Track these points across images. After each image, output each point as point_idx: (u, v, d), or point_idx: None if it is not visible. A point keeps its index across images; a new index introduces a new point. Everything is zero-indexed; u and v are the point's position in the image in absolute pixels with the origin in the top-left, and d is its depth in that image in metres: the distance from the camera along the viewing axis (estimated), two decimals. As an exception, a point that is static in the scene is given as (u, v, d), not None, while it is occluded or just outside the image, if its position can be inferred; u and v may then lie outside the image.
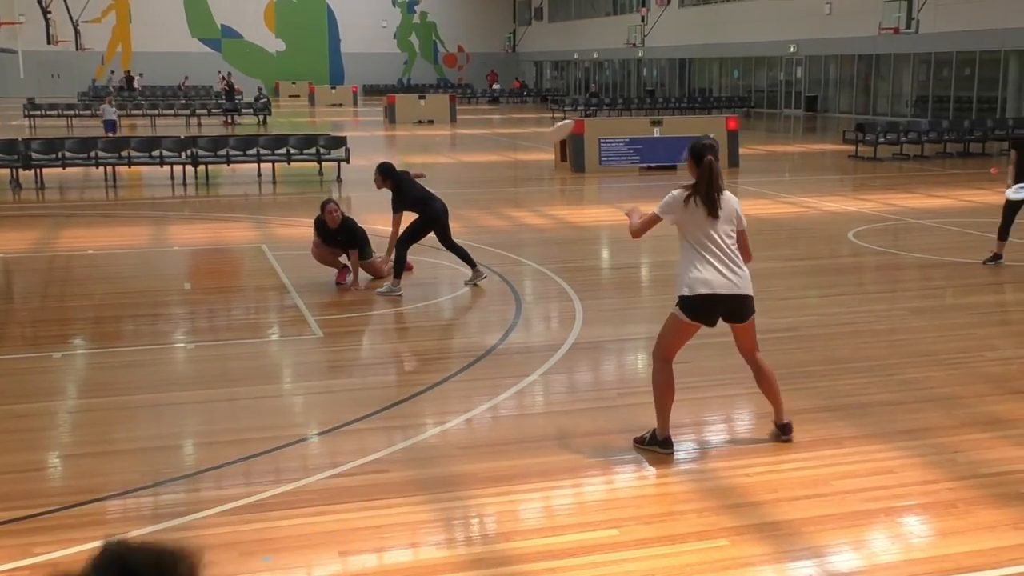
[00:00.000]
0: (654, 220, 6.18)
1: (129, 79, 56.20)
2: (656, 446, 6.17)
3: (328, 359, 8.36)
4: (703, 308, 6.01)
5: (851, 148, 25.89)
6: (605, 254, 13.55)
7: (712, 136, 6.34)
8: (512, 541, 5.05)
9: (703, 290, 5.94)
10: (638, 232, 6.29)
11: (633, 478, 5.87)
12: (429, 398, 7.32)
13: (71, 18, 54.13)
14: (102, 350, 8.64)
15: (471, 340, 9.08)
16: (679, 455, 6.18)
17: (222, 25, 69.00)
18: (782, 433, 6.36)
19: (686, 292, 5.99)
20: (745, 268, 6.08)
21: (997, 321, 9.59)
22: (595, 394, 7.44)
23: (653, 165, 22.92)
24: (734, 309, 6.08)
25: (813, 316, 9.56)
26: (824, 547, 4.97)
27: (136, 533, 5.13)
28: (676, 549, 4.95)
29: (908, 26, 35.81)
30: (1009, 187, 11.23)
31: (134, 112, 40.98)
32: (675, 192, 6.09)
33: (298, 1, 70.39)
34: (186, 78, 60.99)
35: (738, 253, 6.07)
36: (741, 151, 23.94)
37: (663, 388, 6.19)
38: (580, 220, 16.13)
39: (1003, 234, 11.56)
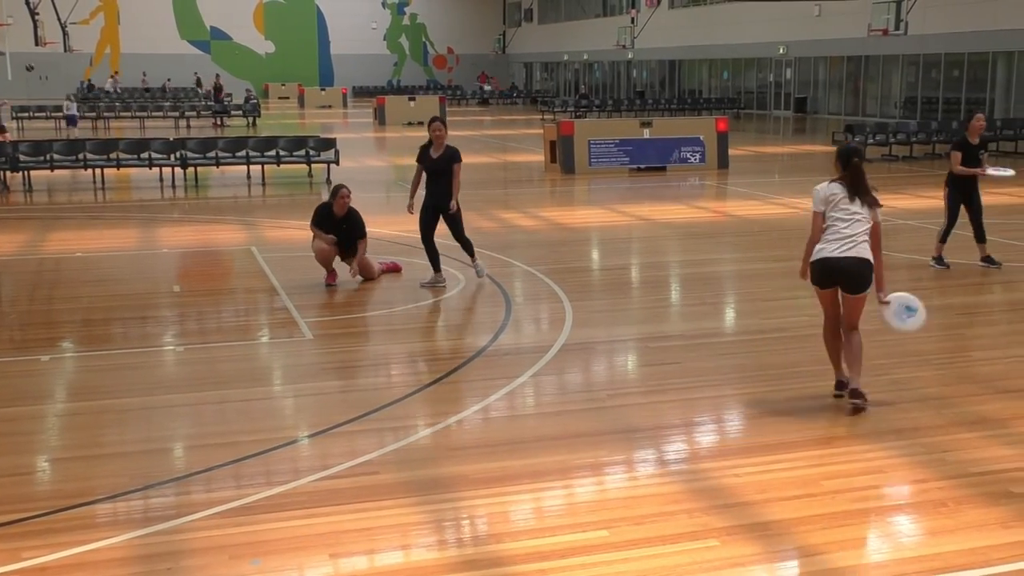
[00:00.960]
0: (817, 219, 7.00)
1: (90, 84, 56.21)
2: (836, 390, 7.12)
3: (318, 361, 8.35)
4: (819, 272, 6.89)
5: (840, 149, 25.90)
6: (595, 255, 13.55)
7: (856, 143, 6.86)
8: (503, 542, 5.05)
9: (820, 255, 6.85)
10: (813, 236, 6.99)
11: (623, 479, 5.88)
12: (419, 400, 7.32)
13: (59, 19, 53.89)
14: (91, 353, 8.62)
15: (461, 342, 9.08)
16: (668, 455, 6.20)
17: (211, 27, 68.86)
18: (851, 397, 6.87)
19: (812, 259, 6.93)
20: (865, 245, 6.88)
21: (984, 321, 9.62)
22: (585, 395, 7.43)
23: (643, 166, 22.94)
24: (845, 276, 6.82)
25: (803, 317, 9.55)
26: (814, 547, 4.98)
27: (125, 537, 5.12)
28: (666, 550, 4.95)
29: (897, 28, 35.90)
30: (985, 168, 11.44)
31: (91, 113, 41.01)
32: (818, 188, 7.09)
33: (287, 3, 70.28)
34: (168, 80, 60.90)
35: (865, 238, 6.91)
36: (731, 152, 23.97)
37: (825, 342, 7.16)
38: (570, 222, 16.14)
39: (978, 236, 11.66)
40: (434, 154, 10.88)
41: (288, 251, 13.14)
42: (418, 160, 11.03)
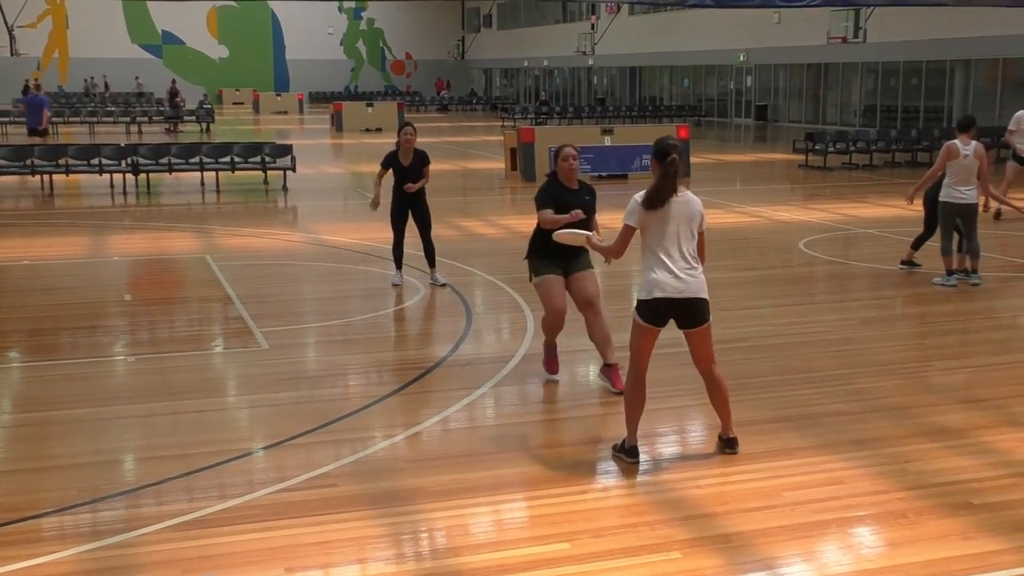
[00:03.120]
0: (627, 232, 6.10)
1: (26, 88, 55.65)
2: (623, 454, 6.21)
3: (274, 371, 8.20)
4: (656, 311, 6.04)
5: (801, 158, 26.16)
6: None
7: (675, 138, 6.32)
8: (462, 556, 4.98)
9: (657, 293, 5.97)
10: (618, 251, 6.16)
11: (585, 491, 5.82)
12: (377, 411, 7.22)
13: (6, 23, 53.06)
14: (39, 363, 8.44)
15: (420, 352, 8.99)
16: (630, 467, 6.13)
17: (163, 31, 68.03)
18: (727, 447, 6.34)
19: (642, 295, 6.05)
20: (700, 271, 6.07)
21: (945, 331, 9.67)
22: (546, 406, 7.38)
23: (604, 174, 22.95)
24: (686, 313, 6.05)
25: (764, 326, 9.58)
26: (776, 558, 4.95)
27: (73, 551, 4.99)
28: (628, 562, 4.90)
29: (856, 35, 36.28)
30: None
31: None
32: (636, 197, 6.13)
33: (241, 7, 69.56)
34: (91, 79, 60.26)
35: (695, 256, 6.08)
36: (692, 160, 24.08)
37: (628, 396, 6.26)
38: (531, 230, 16.02)
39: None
40: (404, 161, 10.89)
41: (243, 259, 12.98)
42: (385, 165, 10.96)
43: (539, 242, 7.67)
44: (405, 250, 11.26)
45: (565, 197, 7.54)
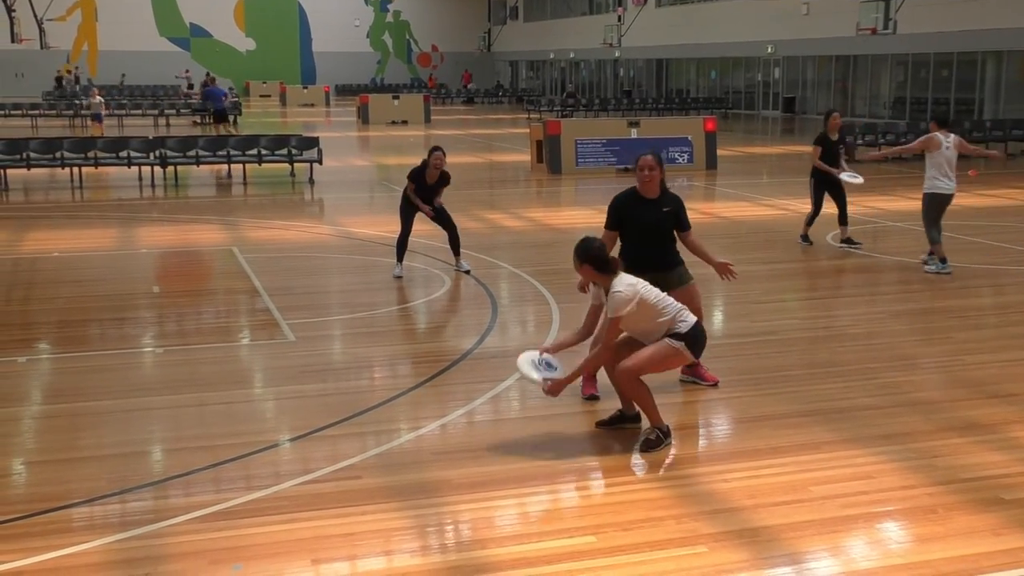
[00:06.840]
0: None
1: (58, 79, 55.79)
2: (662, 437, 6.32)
3: (300, 363, 8.23)
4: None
5: (828, 150, 25.90)
6: (581, 256, 13.45)
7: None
8: (488, 548, 4.97)
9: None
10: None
11: (611, 484, 5.81)
12: (403, 403, 7.23)
13: (35, 16, 53.40)
14: (68, 355, 8.49)
15: (446, 344, 8.99)
16: (656, 460, 6.12)
17: (191, 24, 68.29)
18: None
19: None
20: None
21: (975, 325, 9.58)
22: (572, 399, 7.32)
23: (630, 167, 22.83)
24: None
25: (791, 320, 9.52)
26: (803, 553, 4.92)
27: (102, 542, 5.02)
28: (654, 556, 4.88)
29: (885, 27, 35.90)
30: (840, 172, 12.87)
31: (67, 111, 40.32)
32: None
33: (268, -1, 69.83)
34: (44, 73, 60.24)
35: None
36: (719, 153, 23.94)
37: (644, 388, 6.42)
38: (557, 222, 16.06)
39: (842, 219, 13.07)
40: (429, 181, 11.30)
41: (270, 251, 13.02)
42: (412, 179, 11.31)
43: (624, 253, 7.31)
44: (411, 243, 11.53)
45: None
